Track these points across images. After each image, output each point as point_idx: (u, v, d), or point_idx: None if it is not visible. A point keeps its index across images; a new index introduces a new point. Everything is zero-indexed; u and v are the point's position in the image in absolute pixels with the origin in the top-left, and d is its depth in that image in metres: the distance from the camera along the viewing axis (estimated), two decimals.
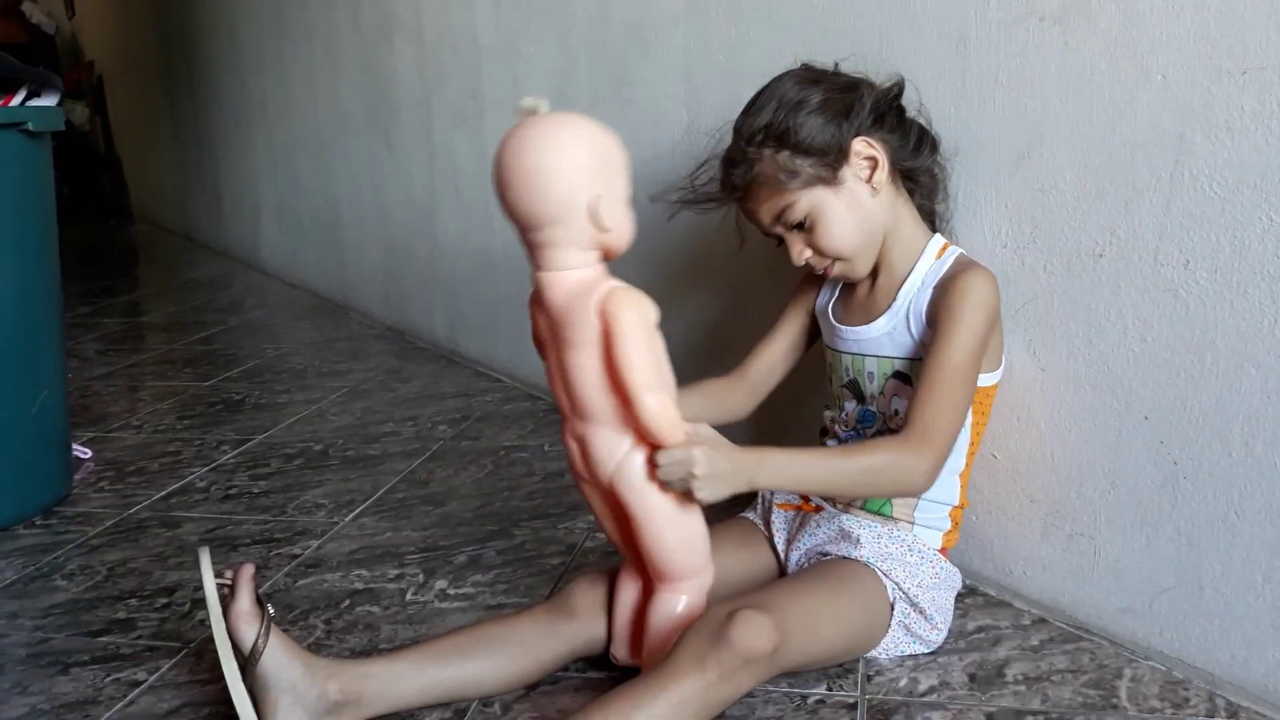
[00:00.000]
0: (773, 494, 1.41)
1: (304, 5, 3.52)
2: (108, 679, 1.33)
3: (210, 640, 1.15)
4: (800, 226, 1.26)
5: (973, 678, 1.25)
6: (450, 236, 2.78)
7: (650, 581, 1.19)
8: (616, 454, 1.11)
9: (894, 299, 1.29)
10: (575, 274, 1.07)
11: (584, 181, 1.03)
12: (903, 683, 1.24)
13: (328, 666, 1.17)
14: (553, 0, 2.17)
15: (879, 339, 1.32)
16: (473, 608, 1.48)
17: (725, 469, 1.08)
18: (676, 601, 1.16)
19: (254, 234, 4.64)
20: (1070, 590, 1.35)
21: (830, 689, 1.24)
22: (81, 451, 2.17)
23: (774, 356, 1.44)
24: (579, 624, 1.25)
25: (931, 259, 1.29)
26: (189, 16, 5.08)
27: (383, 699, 1.18)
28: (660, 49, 1.89)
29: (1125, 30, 1.17)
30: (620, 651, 1.23)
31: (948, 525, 1.34)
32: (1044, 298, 1.31)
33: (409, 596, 1.52)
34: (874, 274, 1.32)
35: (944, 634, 1.31)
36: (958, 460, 1.31)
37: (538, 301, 1.11)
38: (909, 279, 1.29)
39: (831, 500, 1.36)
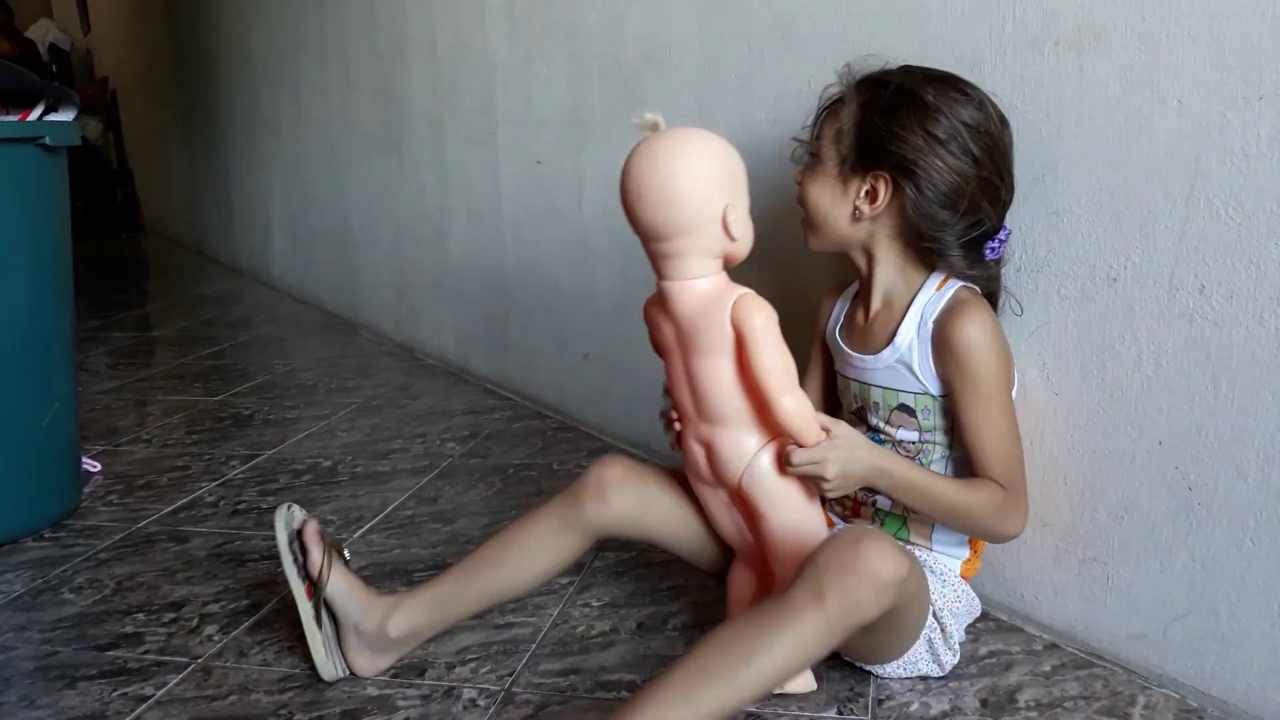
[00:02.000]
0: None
1: (319, 22, 3.54)
2: (115, 693, 1.33)
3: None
4: (815, 156, 1.28)
5: (984, 703, 1.24)
6: (461, 253, 2.79)
7: (769, 574, 1.24)
8: (746, 455, 1.16)
9: (895, 333, 1.28)
10: (705, 282, 1.12)
11: (716, 192, 1.09)
12: (914, 707, 1.23)
13: (384, 607, 1.34)
14: (566, 19, 2.18)
15: (882, 371, 1.31)
16: (481, 626, 1.47)
17: (857, 472, 1.15)
18: None
19: (265, 249, 4.65)
20: (1083, 616, 1.34)
21: (841, 712, 1.23)
22: (91, 465, 2.17)
23: (814, 393, 1.44)
24: (595, 505, 1.32)
25: (931, 291, 1.27)
26: (203, 32, 5.12)
27: (433, 626, 1.37)
28: (674, 70, 1.90)
29: (1140, 55, 1.18)
30: None
31: (966, 553, 1.33)
32: (1057, 322, 1.31)
33: None
34: (873, 301, 1.32)
35: (955, 660, 1.31)
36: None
37: (662, 308, 1.16)
38: (909, 312, 1.27)
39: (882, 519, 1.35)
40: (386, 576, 1.65)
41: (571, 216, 2.25)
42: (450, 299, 2.90)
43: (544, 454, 2.20)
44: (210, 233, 5.63)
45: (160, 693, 1.33)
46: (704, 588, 1.56)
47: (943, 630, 1.27)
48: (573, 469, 2.11)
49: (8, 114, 1.74)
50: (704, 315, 1.11)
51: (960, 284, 1.27)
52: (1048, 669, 1.31)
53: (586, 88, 2.16)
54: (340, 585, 1.34)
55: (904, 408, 1.30)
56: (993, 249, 1.25)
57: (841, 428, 1.14)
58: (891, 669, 1.29)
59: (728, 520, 1.26)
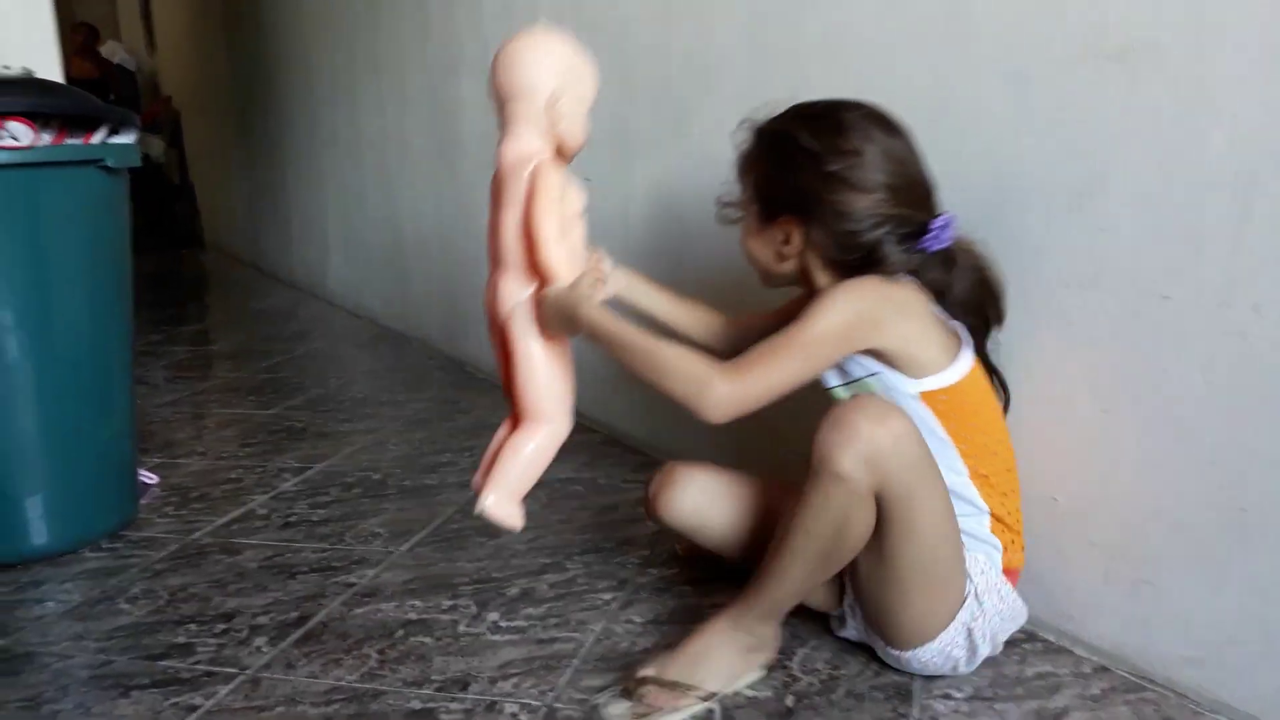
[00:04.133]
0: None
1: (374, 41, 3.60)
2: (166, 703, 1.36)
3: None
4: (740, 209, 1.39)
5: None
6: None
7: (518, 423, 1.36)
8: (514, 298, 1.33)
9: None
10: (524, 143, 1.31)
11: (552, 77, 1.30)
12: None
13: None
14: (615, 36, 2.20)
15: (831, 374, 1.31)
16: (524, 640, 1.48)
17: (557, 316, 1.28)
18: (528, 441, 1.34)
19: (321, 264, 4.73)
20: (1133, 638, 1.32)
21: None
22: (148, 477, 2.21)
23: (766, 328, 1.38)
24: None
25: None
26: (263, 51, 5.23)
27: None
28: (721, 86, 1.90)
29: (1193, 68, 1.16)
30: (478, 477, 1.40)
31: (999, 547, 1.30)
32: (1106, 339, 1.29)
33: (461, 628, 1.53)
34: None
35: (988, 652, 1.31)
36: (956, 462, 1.27)
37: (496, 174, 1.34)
38: None
39: None
40: (432, 590, 1.66)
41: (619, 232, 2.26)
42: None
43: (589, 468, 2.21)
44: (268, 248, 5.74)
45: (210, 703, 1.35)
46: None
47: (985, 615, 1.27)
48: (618, 483, 2.11)
49: (72, 137, 1.79)
50: (514, 171, 1.30)
51: None
52: (1097, 692, 1.29)
53: (635, 103, 2.17)
54: None
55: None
56: (930, 241, 1.25)
57: (577, 279, 1.28)
58: (929, 656, 1.27)
59: (502, 367, 1.38)
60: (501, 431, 1.41)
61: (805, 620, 1.48)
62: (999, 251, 1.40)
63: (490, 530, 1.88)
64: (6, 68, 1.88)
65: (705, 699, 1.28)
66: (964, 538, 1.27)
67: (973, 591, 1.27)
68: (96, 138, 1.83)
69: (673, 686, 1.28)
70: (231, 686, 1.39)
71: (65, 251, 1.78)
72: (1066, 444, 1.35)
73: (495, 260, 1.35)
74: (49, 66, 2.23)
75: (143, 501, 2.11)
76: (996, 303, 1.33)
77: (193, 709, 1.34)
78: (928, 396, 1.25)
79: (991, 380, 1.35)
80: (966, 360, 1.27)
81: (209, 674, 1.43)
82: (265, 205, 5.63)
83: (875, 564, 1.24)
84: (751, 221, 1.35)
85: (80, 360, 1.85)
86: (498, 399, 2.74)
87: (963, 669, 1.32)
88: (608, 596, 1.61)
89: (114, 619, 1.61)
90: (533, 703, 1.32)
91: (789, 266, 1.33)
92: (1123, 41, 1.22)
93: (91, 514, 1.92)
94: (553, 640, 1.48)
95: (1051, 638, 1.42)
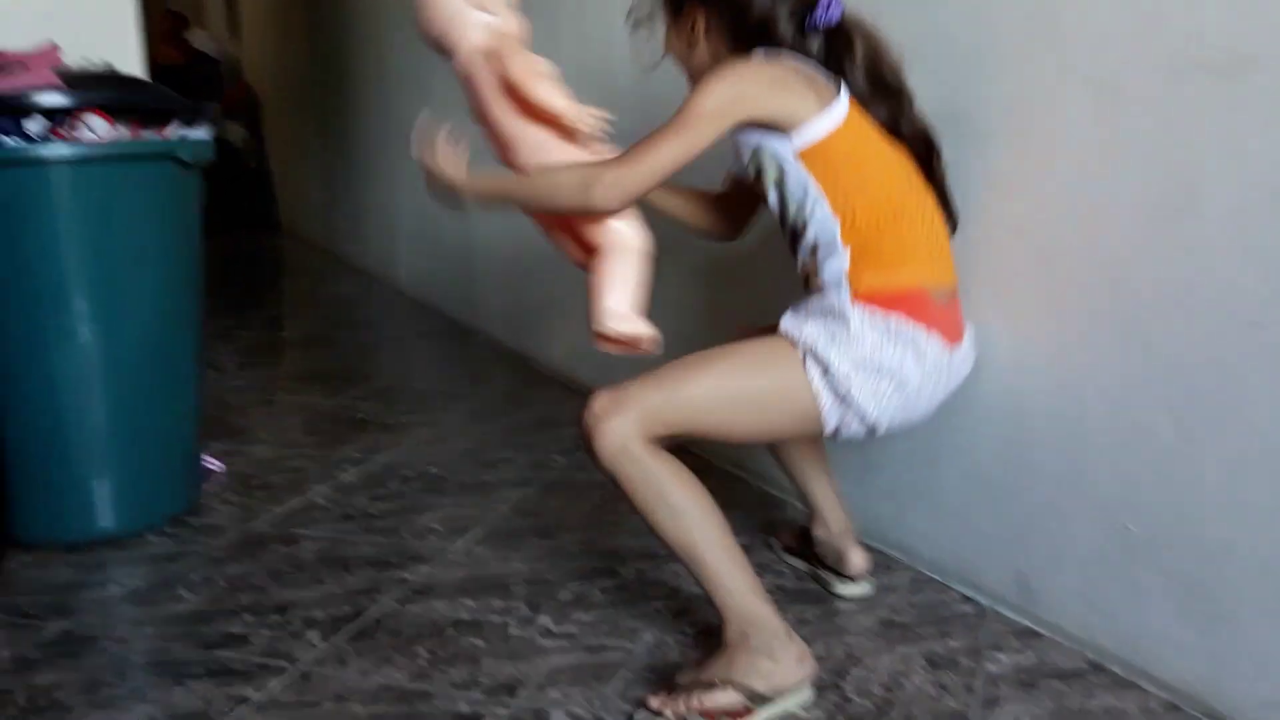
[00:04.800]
0: None
1: None
2: (218, 692, 1.37)
3: None
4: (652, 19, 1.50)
5: None
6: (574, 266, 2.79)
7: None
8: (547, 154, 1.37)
9: None
10: (469, 49, 1.40)
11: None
12: None
13: None
14: None
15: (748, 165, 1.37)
16: (574, 647, 1.47)
17: (441, 179, 1.44)
18: (614, 264, 1.35)
19: (391, 253, 4.77)
20: (1208, 677, 1.26)
21: None
22: (213, 463, 2.24)
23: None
24: None
25: None
26: (341, 41, 5.29)
27: None
28: None
29: None
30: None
31: (844, 267, 1.29)
32: (1190, 366, 1.23)
33: (512, 630, 1.52)
34: None
35: (880, 408, 1.27)
36: (828, 218, 1.30)
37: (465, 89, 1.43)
38: None
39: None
40: (485, 589, 1.66)
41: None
42: (561, 309, 2.91)
43: None
44: (341, 234, 5.81)
45: (260, 695, 1.36)
46: (801, 620, 1.52)
47: (828, 367, 1.25)
48: None
49: (148, 130, 1.81)
50: (473, 69, 1.39)
51: None
52: None
53: None
54: None
55: (776, 184, 1.34)
56: (819, 15, 1.33)
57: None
58: (831, 427, 1.28)
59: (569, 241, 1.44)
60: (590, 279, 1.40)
61: (859, 635, 1.45)
62: (1080, 267, 1.35)
63: (545, 532, 1.87)
64: (88, 61, 1.90)
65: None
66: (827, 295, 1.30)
67: (805, 358, 1.27)
68: (171, 131, 1.85)
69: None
70: (283, 680, 1.40)
71: (138, 243, 1.81)
72: (1143, 471, 1.29)
73: (500, 157, 1.42)
74: (130, 60, 2.26)
75: (206, 488, 2.13)
76: (895, 75, 1.36)
77: (243, 700, 1.35)
78: (804, 155, 1.29)
79: (943, 203, 1.38)
80: (838, 113, 1.29)
81: (261, 666, 1.44)
82: (339, 192, 5.70)
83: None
84: (665, 20, 1.44)
85: (149, 349, 1.87)
86: (560, 395, 2.77)
87: (875, 415, 1.27)
88: (660, 604, 1.59)
89: (173, 605, 1.63)
90: (580, 712, 1.31)
91: (701, 55, 1.41)
92: (1220, 54, 1.16)
93: (156, 498, 1.95)
94: (603, 648, 1.47)
95: (1119, 670, 1.36)
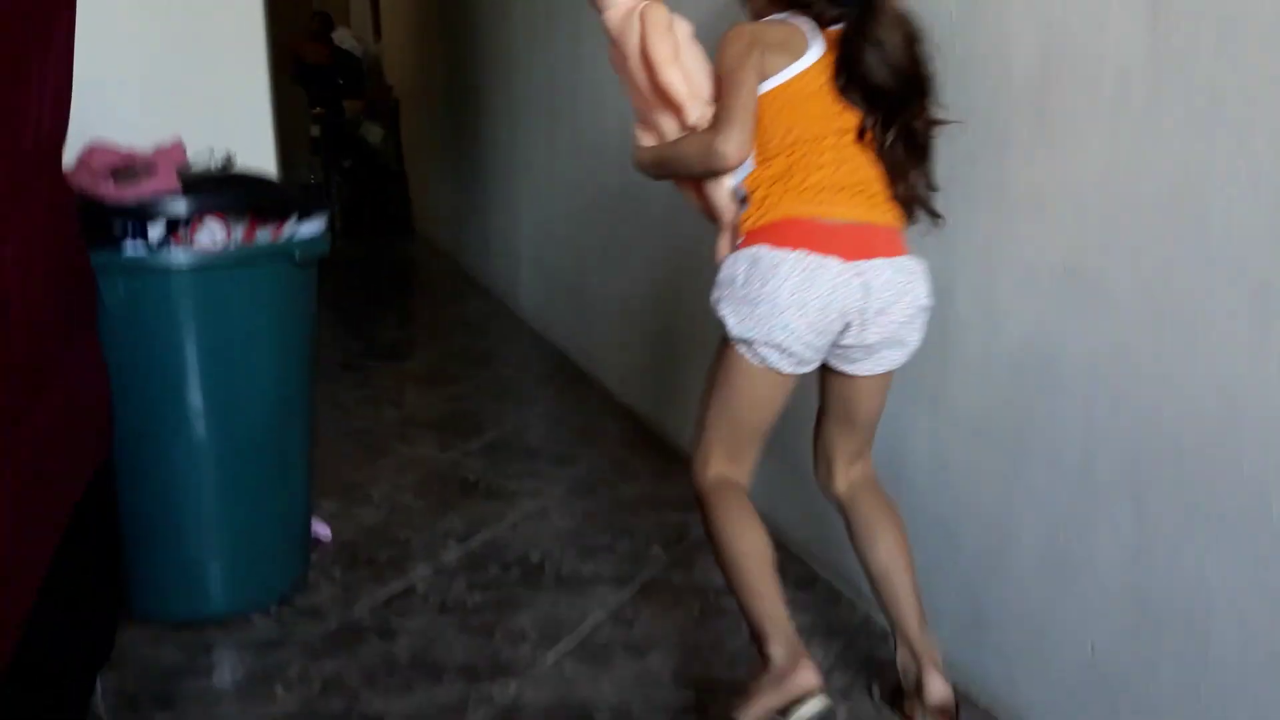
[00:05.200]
0: None
1: (576, 66, 3.59)
2: None
3: None
4: None
5: None
6: (690, 321, 2.75)
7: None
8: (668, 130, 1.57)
9: None
10: (620, 6, 1.53)
11: None
12: None
13: None
14: None
15: None
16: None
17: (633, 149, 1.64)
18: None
19: (514, 278, 4.81)
20: None
21: None
22: (321, 530, 2.29)
23: None
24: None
25: None
26: (474, 58, 5.35)
27: None
28: None
29: None
30: None
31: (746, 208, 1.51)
32: None
33: None
34: None
35: (742, 317, 1.45)
36: (749, 161, 1.50)
37: (611, 47, 1.58)
38: None
39: None
40: (571, 719, 1.64)
41: None
42: (674, 368, 2.87)
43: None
44: (468, 249, 5.89)
45: None
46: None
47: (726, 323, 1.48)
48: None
49: (264, 226, 1.84)
50: (623, 27, 1.53)
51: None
52: None
53: None
54: None
55: None
56: None
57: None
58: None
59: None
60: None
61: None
62: (1228, 487, 1.24)
63: (637, 649, 1.84)
64: (213, 154, 1.95)
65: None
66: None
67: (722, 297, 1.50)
68: (287, 227, 1.88)
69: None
70: None
71: (252, 338, 1.85)
72: None
73: (638, 113, 1.61)
74: (263, 148, 2.32)
75: (314, 557, 2.18)
76: (921, 65, 1.47)
77: None
78: (762, 98, 1.48)
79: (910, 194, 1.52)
80: (801, 64, 1.49)
81: None
82: (467, 208, 5.77)
83: None
84: None
85: (261, 438, 1.92)
86: (664, 465, 2.73)
87: (767, 336, 1.44)
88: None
89: (267, 706, 1.67)
90: None
91: (755, 4, 1.60)
92: None
93: (264, 580, 2.00)
94: None
95: None
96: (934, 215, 1.54)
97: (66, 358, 1.37)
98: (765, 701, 1.44)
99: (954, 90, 1.57)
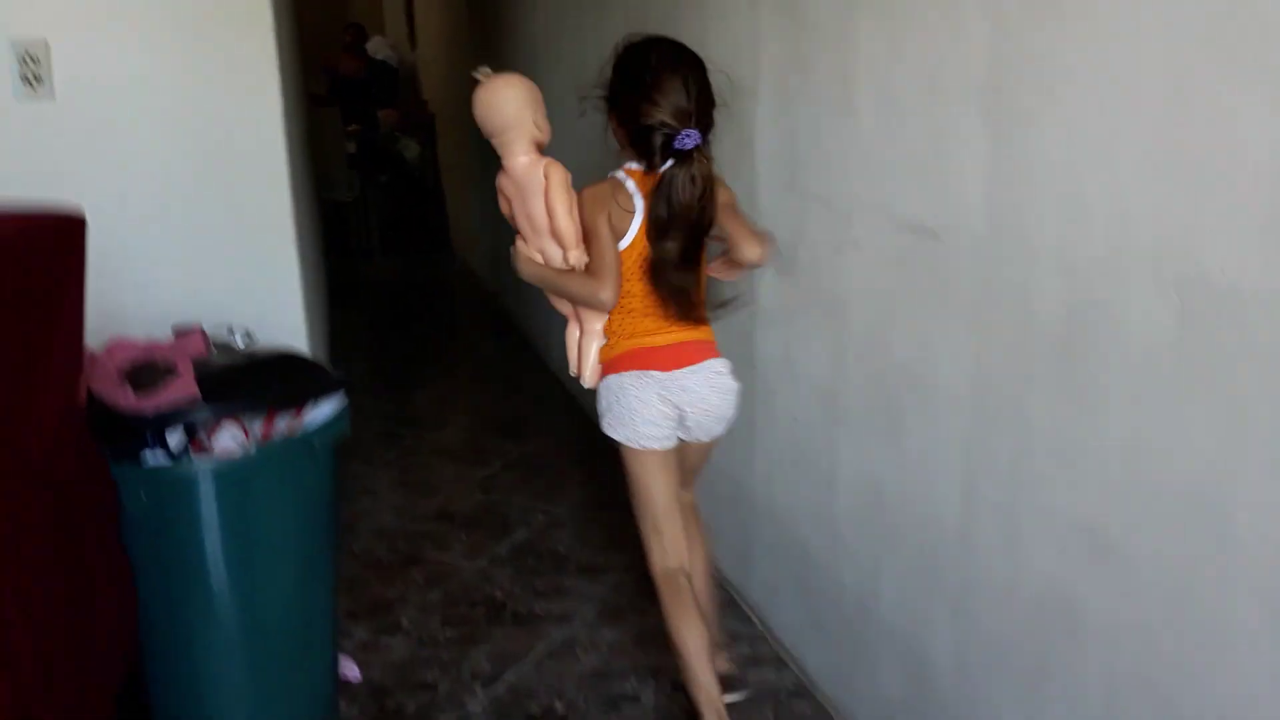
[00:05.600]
0: None
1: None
2: None
3: None
4: None
5: None
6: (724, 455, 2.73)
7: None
8: (553, 257, 1.99)
9: None
10: (525, 155, 1.94)
11: (521, 106, 1.94)
12: None
13: None
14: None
15: None
16: None
17: (515, 260, 2.06)
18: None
19: (545, 327, 4.78)
20: None
21: None
22: (350, 670, 2.31)
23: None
24: None
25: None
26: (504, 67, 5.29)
27: None
28: None
29: None
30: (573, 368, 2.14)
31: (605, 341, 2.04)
32: None
33: None
34: None
35: (617, 428, 2.00)
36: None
37: (506, 179, 1.98)
38: None
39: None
40: None
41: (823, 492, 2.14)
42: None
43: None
44: (503, 277, 5.86)
45: None
46: None
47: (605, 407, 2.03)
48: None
49: (282, 414, 1.85)
50: (529, 173, 1.93)
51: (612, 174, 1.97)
52: None
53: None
54: None
55: None
56: (680, 141, 1.83)
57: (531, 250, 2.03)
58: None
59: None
60: (573, 331, 2.10)
61: None
62: None
63: None
64: (231, 330, 1.96)
65: None
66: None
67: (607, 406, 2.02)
68: (305, 413, 1.88)
69: None
70: None
71: (273, 524, 1.87)
72: None
73: (524, 234, 2.01)
74: (294, 328, 2.39)
75: (343, 705, 2.20)
76: (710, 197, 1.88)
77: None
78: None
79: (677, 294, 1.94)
80: (632, 234, 1.92)
81: None
82: (499, 231, 5.74)
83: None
84: (603, 108, 1.98)
85: (287, 617, 1.94)
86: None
87: (630, 435, 1.98)
88: None
89: None
90: None
91: (614, 137, 1.97)
92: None
93: None
94: None
95: None
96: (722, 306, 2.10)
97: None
98: None
99: (976, 320, 1.53)
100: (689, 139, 1.82)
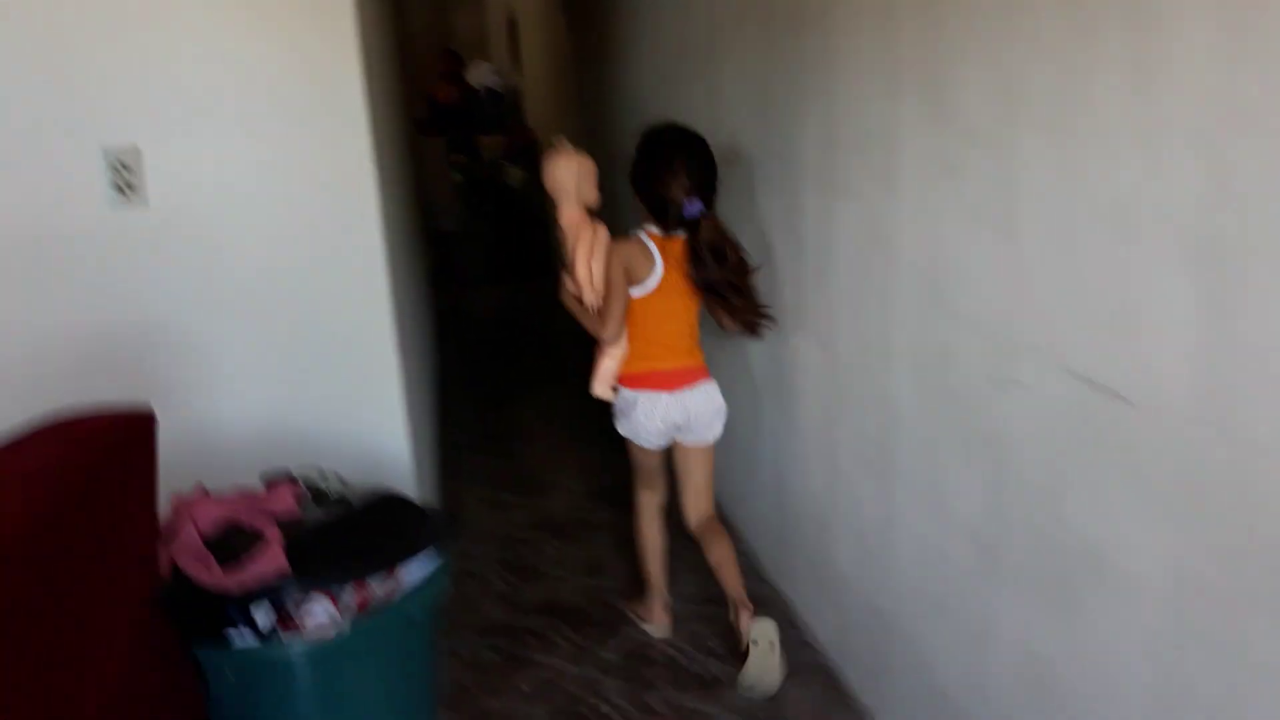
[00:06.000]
0: None
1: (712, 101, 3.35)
2: None
3: None
4: None
5: None
6: (844, 521, 2.50)
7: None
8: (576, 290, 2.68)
9: None
10: (575, 211, 2.57)
11: (572, 174, 2.57)
12: None
13: None
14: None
15: None
16: None
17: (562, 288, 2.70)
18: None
19: None
20: None
21: None
22: None
23: None
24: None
25: None
26: (606, 107, 5.16)
27: None
28: None
29: None
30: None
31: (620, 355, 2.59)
32: None
33: None
34: None
35: (627, 430, 2.66)
36: (624, 341, 2.58)
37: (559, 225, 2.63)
38: None
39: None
40: None
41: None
42: (791, 523, 2.63)
43: None
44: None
45: None
46: None
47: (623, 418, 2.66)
48: None
49: (376, 572, 1.69)
50: (567, 227, 2.57)
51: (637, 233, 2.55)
52: None
53: None
54: None
55: None
56: (687, 209, 2.42)
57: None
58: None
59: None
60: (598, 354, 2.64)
61: None
62: None
63: None
64: (323, 475, 1.81)
65: None
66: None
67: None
68: (400, 572, 1.72)
69: None
70: None
71: (366, 701, 1.72)
72: None
73: (579, 286, 2.59)
74: (395, 426, 2.28)
75: None
76: (726, 251, 2.47)
77: None
78: (634, 300, 2.52)
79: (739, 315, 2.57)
80: (651, 284, 2.48)
81: None
82: None
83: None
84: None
85: None
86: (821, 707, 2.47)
87: (633, 432, 2.66)
88: None
89: None
90: None
91: (638, 203, 2.51)
92: None
93: None
94: None
95: None
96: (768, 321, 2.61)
97: None
98: (634, 609, 2.90)
99: (1179, 509, 1.28)
100: (693, 207, 2.41)
